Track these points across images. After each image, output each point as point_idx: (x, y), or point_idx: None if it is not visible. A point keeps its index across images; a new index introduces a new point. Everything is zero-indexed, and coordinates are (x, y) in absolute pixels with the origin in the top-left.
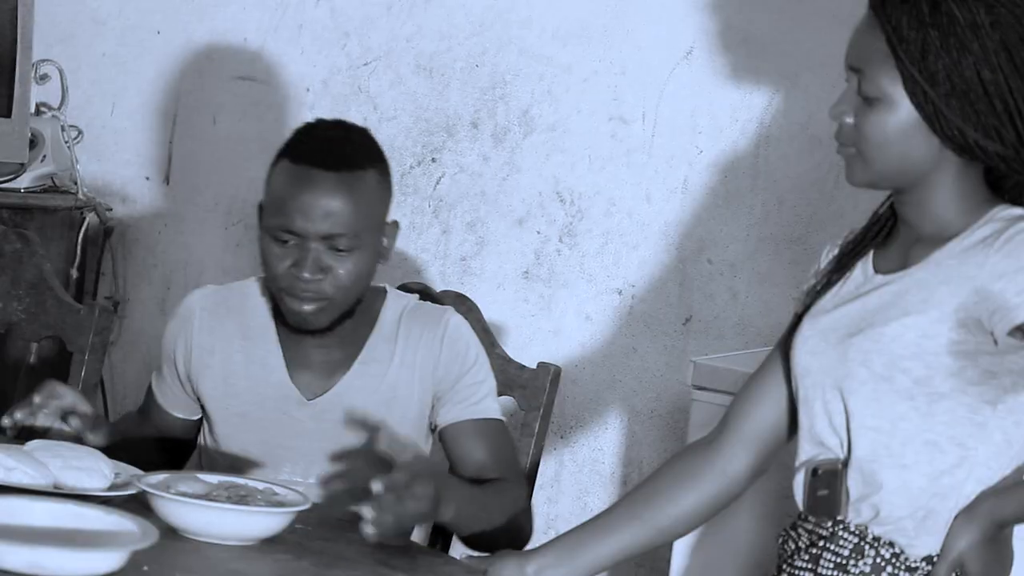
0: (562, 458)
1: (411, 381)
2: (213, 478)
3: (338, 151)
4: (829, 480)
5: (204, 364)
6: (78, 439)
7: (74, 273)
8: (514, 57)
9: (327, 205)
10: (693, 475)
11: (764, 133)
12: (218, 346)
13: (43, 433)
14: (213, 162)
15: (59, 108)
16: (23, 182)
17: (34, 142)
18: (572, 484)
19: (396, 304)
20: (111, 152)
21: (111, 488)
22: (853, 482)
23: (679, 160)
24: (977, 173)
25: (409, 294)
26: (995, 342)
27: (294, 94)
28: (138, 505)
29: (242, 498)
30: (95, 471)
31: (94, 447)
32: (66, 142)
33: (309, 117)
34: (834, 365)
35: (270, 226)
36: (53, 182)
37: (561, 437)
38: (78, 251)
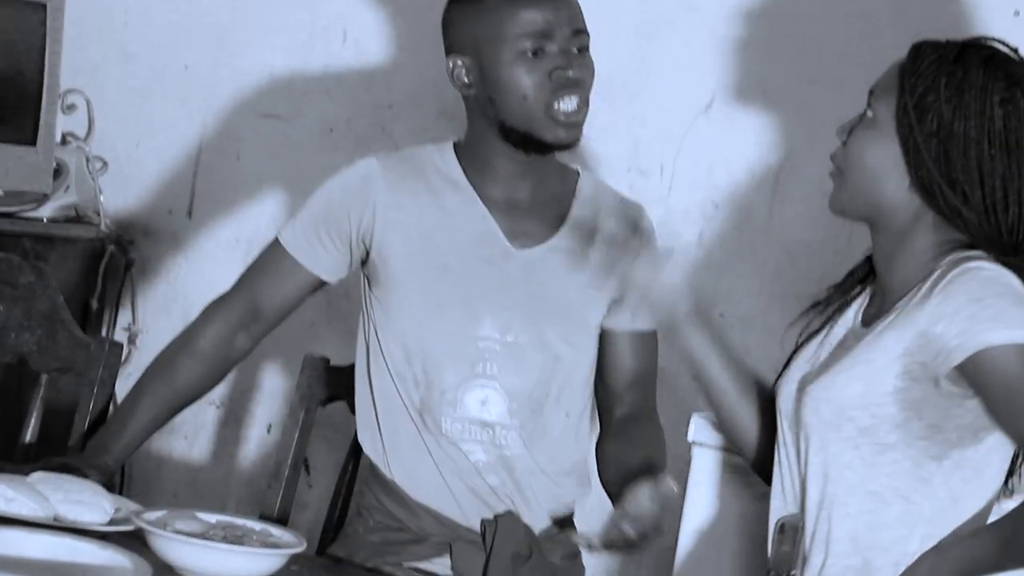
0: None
1: (611, 258)
2: (211, 517)
3: None
4: (792, 535)
5: (392, 220)
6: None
7: (94, 304)
8: None
9: (569, 3)
10: None
11: (779, 190)
12: (406, 202)
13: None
14: (235, 198)
15: (85, 139)
16: (46, 211)
17: (58, 172)
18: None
19: (590, 181)
20: (135, 184)
21: (110, 523)
22: (807, 530)
23: (695, 214)
24: (954, 233)
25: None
26: (937, 385)
27: (317, 133)
28: (136, 541)
29: (238, 538)
30: (95, 506)
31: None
32: (90, 173)
33: (332, 157)
34: (794, 412)
35: (517, 48)
36: (76, 212)
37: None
38: (99, 282)
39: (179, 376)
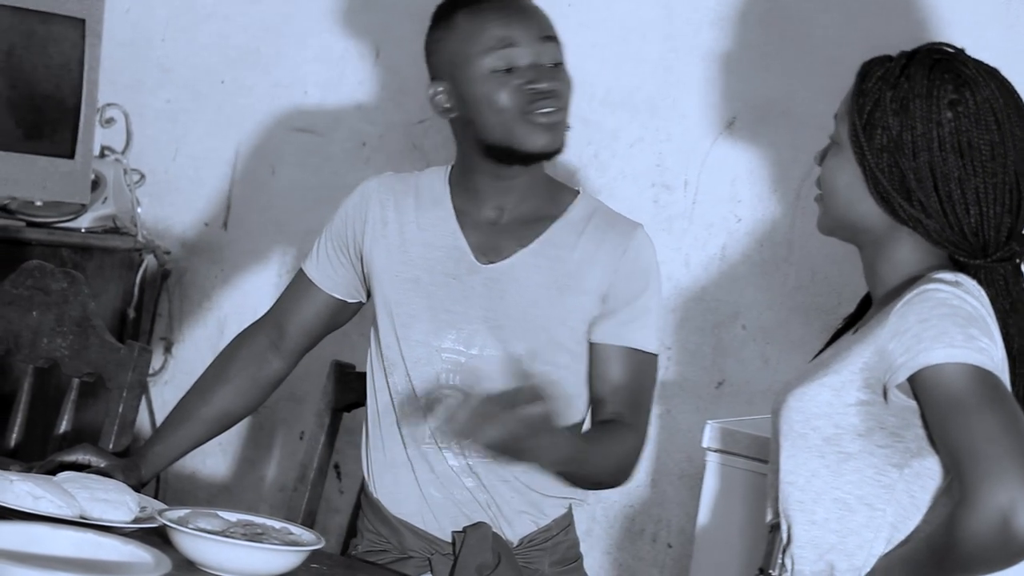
0: (595, 513)
1: (589, 276)
2: (233, 516)
3: None
4: (773, 537)
5: (379, 235)
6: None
7: (131, 313)
8: None
9: (534, 13)
10: None
11: (800, 205)
12: (391, 217)
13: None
14: (270, 211)
15: (123, 152)
16: (84, 222)
17: (97, 184)
18: (603, 538)
19: (588, 204)
20: (172, 197)
21: (135, 521)
22: (782, 535)
23: (718, 228)
24: (935, 249)
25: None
26: (887, 399)
27: (350, 148)
28: (159, 538)
29: (257, 535)
30: (121, 504)
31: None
32: (128, 185)
33: (364, 171)
34: (776, 421)
35: (488, 65)
36: (114, 223)
37: (595, 492)
38: (135, 292)
39: (214, 396)
